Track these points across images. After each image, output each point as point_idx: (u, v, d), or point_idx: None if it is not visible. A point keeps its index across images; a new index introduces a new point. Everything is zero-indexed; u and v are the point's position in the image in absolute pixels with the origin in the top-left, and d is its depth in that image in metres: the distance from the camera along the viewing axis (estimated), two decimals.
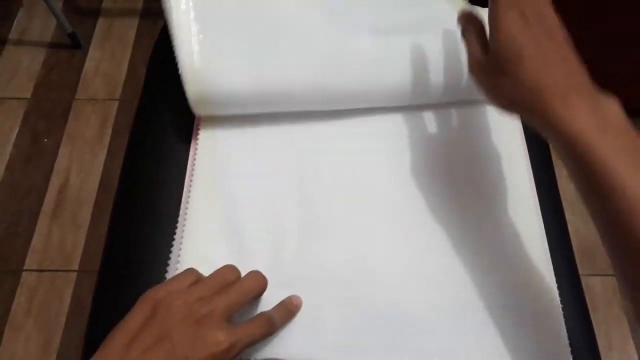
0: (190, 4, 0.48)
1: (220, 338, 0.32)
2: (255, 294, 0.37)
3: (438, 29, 0.48)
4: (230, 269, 0.37)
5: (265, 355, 0.37)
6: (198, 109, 0.46)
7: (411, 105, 0.49)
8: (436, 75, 0.46)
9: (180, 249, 0.41)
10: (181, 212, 0.44)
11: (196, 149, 0.46)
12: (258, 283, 0.37)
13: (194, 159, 0.46)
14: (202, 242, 0.42)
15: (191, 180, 0.45)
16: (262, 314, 0.37)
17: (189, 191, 0.44)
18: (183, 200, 0.44)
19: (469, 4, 0.53)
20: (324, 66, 0.46)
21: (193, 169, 0.45)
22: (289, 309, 0.39)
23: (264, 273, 0.39)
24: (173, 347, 0.31)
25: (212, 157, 0.46)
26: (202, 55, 0.45)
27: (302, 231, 0.43)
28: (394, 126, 0.48)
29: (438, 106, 0.49)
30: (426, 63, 0.46)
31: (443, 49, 0.47)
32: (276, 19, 0.50)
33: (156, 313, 0.32)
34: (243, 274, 0.38)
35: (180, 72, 0.44)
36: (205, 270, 0.40)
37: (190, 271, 0.36)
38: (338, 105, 0.48)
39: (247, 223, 0.43)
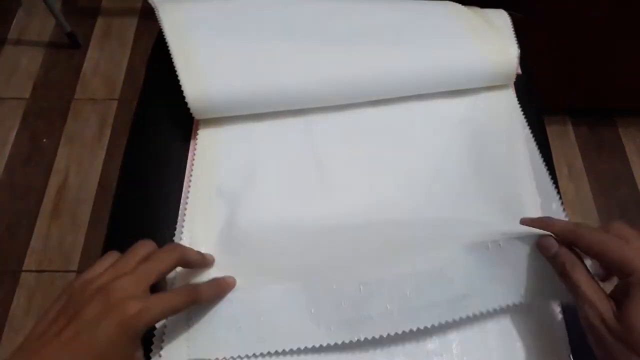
0: (184, 9, 0.48)
1: (129, 304, 0.31)
2: (175, 262, 0.36)
3: (434, 23, 0.49)
4: (143, 244, 0.36)
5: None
6: (198, 114, 0.46)
7: (406, 98, 0.49)
8: (432, 66, 0.47)
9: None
10: (180, 212, 0.44)
11: (195, 149, 0.46)
12: (174, 250, 0.36)
13: (193, 159, 0.46)
14: (202, 242, 0.42)
15: (190, 180, 0.45)
16: (186, 284, 0.37)
17: (188, 191, 0.44)
18: (182, 200, 0.44)
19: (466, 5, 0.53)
20: (321, 65, 0.46)
21: (192, 169, 0.45)
22: (219, 285, 0.38)
23: (265, 271, 0.39)
24: (83, 323, 0.31)
25: (211, 156, 0.46)
26: (199, 61, 0.46)
27: (303, 229, 0.43)
28: (394, 119, 0.49)
29: (435, 100, 0.49)
30: (423, 57, 0.47)
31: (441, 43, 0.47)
32: (272, 21, 0.50)
33: (70, 298, 0.32)
34: (244, 275, 0.39)
35: (178, 75, 0.45)
36: (206, 271, 0.40)
37: (108, 254, 0.36)
38: (337, 102, 0.48)
39: (248, 222, 0.43)
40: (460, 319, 0.36)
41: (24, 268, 1.03)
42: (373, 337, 0.36)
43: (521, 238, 0.37)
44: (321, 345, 0.37)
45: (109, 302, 0.31)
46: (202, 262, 0.39)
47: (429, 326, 0.36)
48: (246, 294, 0.38)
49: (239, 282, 0.39)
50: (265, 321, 0.37)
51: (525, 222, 0.37)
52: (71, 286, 0.33)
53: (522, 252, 0.37)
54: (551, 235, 0.35)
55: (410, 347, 0.38)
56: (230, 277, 0.39)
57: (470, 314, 0.36)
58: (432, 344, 0.38)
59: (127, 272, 0.33)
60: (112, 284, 0.32)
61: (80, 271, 1.02)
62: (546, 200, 0.44)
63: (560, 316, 0.39)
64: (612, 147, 1.17)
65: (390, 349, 0.38)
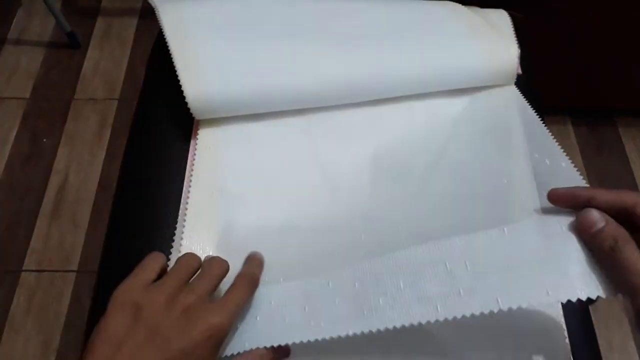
0: (184, 9, 0.48)
1: (214, 320, 0.31)
2: (222, 277, 0.37)
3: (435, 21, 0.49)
4: (192, 257, 0.36)
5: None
6: (198, 114, 0.46)
7: (407, 98, 0.49)
8: (433, 65, 0.47)
9: (180, 249, 0.41)
10: (180, 211, 0.44)
11: (195, 148, 0.46)
12: (221, 265, 0.37)
13: (194, 159, 0.46)
14: (202, 241, 0.42)
15: (190, 180, 0.45)
16: (239, 275, 0.37)
17: (189, 191, 0.44)
18: (182, 200, 0.44)
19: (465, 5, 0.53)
20: (322, 65, 0.46)
21: (192, 169, 0.45)
22: (259, 260, 0.39)
23: (266, 271, 0.39)
24: (166, 341, 0.30)
25: (211, 156, 0.46)
26: (200, 61, 0.46)
27: (304, 227, 0.43)
28: (394, 118, 0.49)
29: (435, 99, 0.49)
30: (423, 56, 0.47)
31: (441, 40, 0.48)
32: (272, 20, 0.50)
33: (139, 312, 0.31)
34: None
35: (178, 75, 0.45)
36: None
37: (154, 258, 0.36)
38: (337, 101, 0.48)
39: (248, 222, 0.43)
40: (455, 318, 0.31)
41: (24, 268, 1.03)
42: (362, 333, 0.33)
43: (533, 221, 0.33)
44: (309, 341, 0.34)
45: (191, 318, 0.31)
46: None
47: (423, 322, 0.31)
48: None
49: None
50: (261, 319, 0.37)
51: (555, 194, 0.32)
52: (130, 297, 0.32)
53: (534, 237, 0.32)
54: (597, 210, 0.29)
55: (406, 346, 0.38)
56: (255, 252, 0.40)
57: (468, 314, 0.31)
58: (427, 343, 0.38)
59: (191, 283, 0.34)
60: (188, 298, 0.32)
61: (80, 271, 1.02)
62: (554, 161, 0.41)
63: (560, 316, 0.39)
64: (612, 146, 1.17)
65: (386, 346, 0.38)
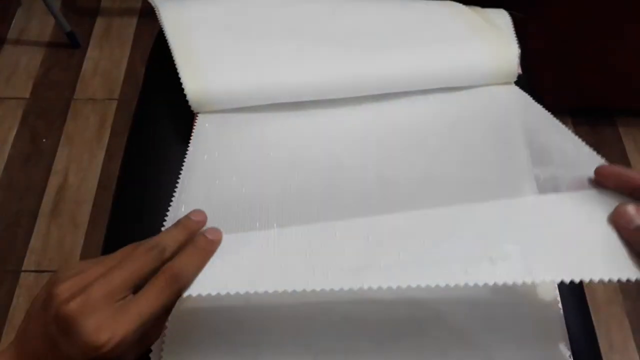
0: (184, 7, 0.48)
1: (92, 338, 0.27)
2: (152, 263, 0.30)
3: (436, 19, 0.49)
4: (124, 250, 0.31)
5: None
6: (197, 106, 0.46)
7: (408, 94, 0.49)
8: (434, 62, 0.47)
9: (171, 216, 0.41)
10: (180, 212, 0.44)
11: (196, 141, 0.46)
12: (154, 249, 0.30)
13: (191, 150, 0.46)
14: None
15: (192, 172, 0.44)
16: (163, 269, 0.30)
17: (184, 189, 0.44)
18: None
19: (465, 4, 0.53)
20: (322, 61, 0.46)
21: (194, 161, 0.45)
22: (201, 249, 0.32)
23: (264, 230, 0.38)
24: (55, 342, 0.28)
25: (212, 148, 0.46)
26: (200, 53, 0.45)
27: (305, 227, 0.43)
28: (395, 115, 0.49)
29: (437, 95, 0.49)
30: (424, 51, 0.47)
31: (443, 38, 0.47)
32: (273, 18, 0.50)
33: (46, 305, 0.29)
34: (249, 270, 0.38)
35: (178, 70, 0.45)
36: (205, 272, 0.40)
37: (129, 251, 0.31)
38: (337, 95, 0.48)
39: (248, 221, 0.43)
40: (476, 285, 0.29)
41: (23, 268, 1.03)
42: (379, 287, 0.30)
43: (572, 197, 0.31)
44: (314, 291, 0.31)
45: (72, 331, 0.27)
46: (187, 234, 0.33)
47: (451, 284, 0.29)
48: (233, 237, 0.35)
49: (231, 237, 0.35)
50: (250, 262, 0.33)
51: (606, 171, 0.31)
52: (52, 287, 0.29)
53: (572, 211, 0.31)
54: (631, 202, 0.29)
55: (405, 346, 0.38)
56: (212, 230, 0.34)
57: (500, 282, 0.29)
58: (426, 344, 0.38)
59: (95, 282, 0.28)
60: (77, 307, 0.27)
61: None
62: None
63: (561, 316, 0.39)
64: (612, 146, 1.17)
65: (385, 346, 0.38)
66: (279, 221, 0.39)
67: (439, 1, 0.54)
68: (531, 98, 0.47)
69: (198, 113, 0.47)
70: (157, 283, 0.29)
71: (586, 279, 0.28)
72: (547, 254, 0.30)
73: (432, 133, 0.47)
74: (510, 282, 0.29)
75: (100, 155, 1.16)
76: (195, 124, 0.47)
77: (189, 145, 0.45)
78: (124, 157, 0.49)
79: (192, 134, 0.46)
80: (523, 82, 0.50)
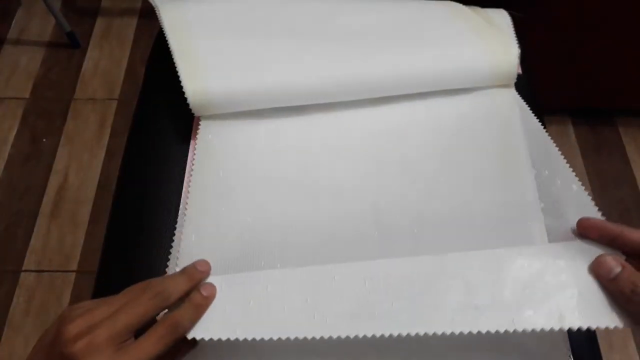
0: (184, 7, 0.48)
1: None
2: (155, 310, 0.32)
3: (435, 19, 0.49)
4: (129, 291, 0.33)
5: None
6: (198, 110, 0.46)
7: (407, 97, 0.49)
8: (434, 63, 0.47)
9: (179, 250, 0.41)
10: (180, 211, 0.44)
11: (195, 148, 0.46)
12: (154, 290, 0.32)
13: (193, 158, 0.46)
14: (202, 241, 0.42)
15: (190, 179, 0.45)
16: (163, 318, 0.32)
17: (188, 191, 0.44)
18: (182, 200, 0.44)
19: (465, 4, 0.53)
20: (322, 63, 0.46)
21: (192, 168, 0.45)
22: (196, 305, 0.33)
23: (266, 271, 0.39)
24: None
25: (211, 155, 0.46)
26: (200, 58, 0.46)
27: (304, 227, 0.43)
28: (394, 118, 0.49)
29: (436, 99, 0.49)
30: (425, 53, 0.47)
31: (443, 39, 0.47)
32: (272, 19, 0.50)
33: (55, 342, 0.30)
34: (249, 270, 0.38)
35: (178, 72, 0.45)
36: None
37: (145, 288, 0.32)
38: (337, 98, 0.48)
39: (248, 221, 0.43)
40: (470, 333, 0.31)
41: (23, 268, 1.03)
42: (373, 336, 0.32)
43: (551, 247, 0.34)
44: (314, 338, 0.33)
45: None
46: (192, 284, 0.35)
47: (438, 332, 0.31)
48: (238, 278, 0.36)
49: (236, 278, 0.37)
50: (254, 305, 0.34)
51: (586, 224, 0.33)
52: (61, 325, 0.30)
53: (551, 261, 0.33)
54: (610, 254, 0.32)
55: (407, 350, 0.38)
56: (208, 286, 0.35)
57: (483, 330, 0.31)
58: (423, 344, 0.38)
59: (96, 323, 0.30)
60: (82, 348, 0.29)
61: (80, 271, 1.02)
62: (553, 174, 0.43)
63: None
64: (612, 147, 1.17)
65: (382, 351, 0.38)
66: (282, 261, 0.40)
67: (438, 1, 0.54)
68: (532, 115, 0.47)
69: (200, 121, 0.47)
70: (157, 331, 0.31)
71: (565, 327, 0.30)
72: (529, 303, 0.32)
73: (426, 150, 0.47)
74: (493, 331, 0.31)
75: (100, 155, 1.16)
76: (196, 138, 0.47)
77: (188, 157, 0.45)
78: (124, 157, 0.49)
79: (195, 151, 0.46)
80: (523, 82, 0.50)
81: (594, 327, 0.30)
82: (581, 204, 0.39)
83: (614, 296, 0.31)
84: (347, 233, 0.42)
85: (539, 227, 0.42)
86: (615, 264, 0.31)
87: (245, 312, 0.34)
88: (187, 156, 0.47)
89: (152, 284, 0.33)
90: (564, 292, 0.32)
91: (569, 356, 0.38)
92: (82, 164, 1.15)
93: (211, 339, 0.33)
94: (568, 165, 0.42)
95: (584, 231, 0.34)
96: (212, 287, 0.35)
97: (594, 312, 0.30)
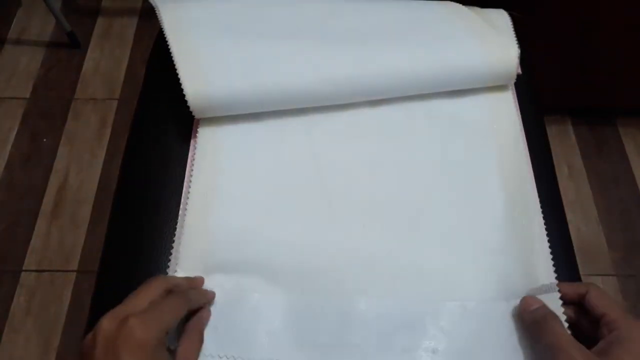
0: (184, 8, 0.48)
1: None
2: (183, 311, 0.35)
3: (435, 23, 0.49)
4: (155, 283, 0.35)
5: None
6: (198, 113, 0.46)
7: (407, 99, 0.49)
8: (434, 65, 0.47)
9: (179, 249, 0.41)
10: (180, 211, 0.44)
11: (195, 148, 0.46)
12: (181, 299, 0.35)
13: (193, 158, 0.46)
14: (202, 241, 0.42)
15: (190, 180, 0.45)
16: (189, 327, 0.36)
17: (189, 191, 0.44)
18: (182, 200, 0.44)
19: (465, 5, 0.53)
20: (322, 64, 0.46)
21: (192, 168, 0.45)
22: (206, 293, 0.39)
23: (266, 271, 0.39)
24: None
25: (211, 155, 0.46)
26: (200, 60, 0.46)
27: (304, 227, 0.43)
28: (394, 120, 0.49)
29: (435, 100, 0.49)
30: (422, 55, 0.47)
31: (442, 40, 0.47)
32: (273, 20, 0.50)
33: (95, 345, 0.30)
34: (246, 273, 0.39)
35: (178, 73, 0.45)
36: (204, 272, 0.40)
37: (150, 284, 0.35)
38: (337, 101, 0.48)
39: (248, 221, 0.43)
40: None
41: (24, 268, 1.03)
42: None
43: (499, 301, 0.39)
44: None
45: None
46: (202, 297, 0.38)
47: None
48: (229, 296, 0.39)
49: (229, 284, 0.40)
50: (240, 325, 0.38)
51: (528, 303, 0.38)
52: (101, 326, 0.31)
53: (497, 316, 0.39)
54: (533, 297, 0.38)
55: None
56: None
57: None
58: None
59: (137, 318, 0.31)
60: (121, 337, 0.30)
61: (80, 271, 1.03)
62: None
63: (561, 316, 0.39)
64: (612, 146, 1.16)
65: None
66: (277, 264, 0.41)
67: (439, 1, 0.54)
68: (517, 118, 0.49)
69: (199, 123, 0.47)
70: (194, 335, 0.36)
71: None
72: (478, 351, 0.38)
73: (424, 151, 0.47)
74: None
75: (101, 155, 1.16)
76: (195, 140, 0.47)
77: (189, 167, 0.46)
78: (124, 157, 0.49)
79: (192, 152, 0.46)
80: (523, 82, 0.50)
81: None
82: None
83: (531, 328, 0.36)
84: (344, 232, 0.43)
85: (539, 230, 0.43)
86: (535, 301, 0.37)
87: (233, 331, 0.38)
88: (187, 156, 0.47)
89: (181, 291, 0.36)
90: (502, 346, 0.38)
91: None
92: (82, 164, 1.15)
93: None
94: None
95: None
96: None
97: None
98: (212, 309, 0.38)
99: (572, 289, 0.37)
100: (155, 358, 0.30)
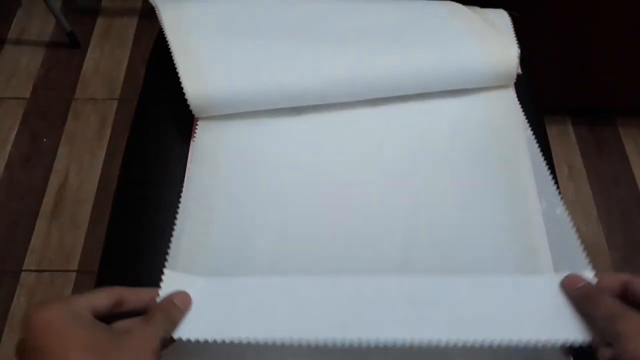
0: (184, 7, 0.48)
1: None
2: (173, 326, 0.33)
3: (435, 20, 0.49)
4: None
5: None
6: (198, 112, 0.46)
7: (406, 98, 0.49)
8: (435, 65, 0.47)
9: (179, 249, 0.41)
10: (180, 210, 0.44)
11: (195, 148, 0.46)
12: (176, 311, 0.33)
13: (193, 158, 0.46)
14: (201, 241, 0.42)
15: (190, 180, 0.45)
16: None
17: (188, 191, 0.44)
18: (182, 198, 0.44)
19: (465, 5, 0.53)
20: (322, 64, 0.47)
21: (192, 168, 0.45)
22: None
23: (266, 271, 0.39)
24: None
25: (210, 155, 0.46)
26: (200, 60, 0.46)
27: (303, 227, 0.43)
28: (394, 119, 0.49)
29: (435, 100, 0.50)
30: (423, 54, 0.47)
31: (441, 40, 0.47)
32: (273, 19, 0.50)
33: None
34: (246, 273, 0.38)
35: (178, 73, 0.45)
36: (203, 272, 0.40)
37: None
38: (337, 100, 0.48)
39: (247, 221, 0.43)
40: (457, 341, 0.33)
41: (24, 268, 1.03)
42: (360, 342, 0.33)
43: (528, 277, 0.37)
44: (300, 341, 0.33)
45: None
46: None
47: (424, 341, 0.32)
48: (226, 281, 0.37)
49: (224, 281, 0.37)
50: (241, 309, 0.35)
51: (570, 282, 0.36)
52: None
53: (527, 287, 0.36)
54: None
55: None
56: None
57: (470, 341, 0.33)
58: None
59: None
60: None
61: (80, 271, 1.02)
62: (549, 205, 0.43)
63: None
64: (612, 146, 1.17)
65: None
66: (275, 263, 0.40)
67: (438, 1, 0.54)
68: (522, 115, 0.48)
69: (198, 123, 0.47)
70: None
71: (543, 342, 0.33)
72: (507, 322, 0.34)
73: (424, 152, 0.47)
74: (478, 342, 0.32)
75: (101, 155, 1.16)
76: (194, 136, 0.47)
77: (188, 157, 0.45)
78: (124, 157, 0.49)
79: (193, 150, 0.46)
80: (523, 82, 0.50)
81: (561, 341, 0.32)
82: (563, 229, 0.41)
83: (578, 306, 0.34)
84: (342, 234, 0.43)
85: (540, 232, 0.43)
86: (581, 278, 0.35)
87: (231, 315, 0.34)
88: (187, 156, 0.47)
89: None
90: (544, 310, 0.35)
91: (569, 356, 0.38)
92: (82, 164, 1.15)
93: (197, 340, 0.33)
94: (560, 195, 0.43)
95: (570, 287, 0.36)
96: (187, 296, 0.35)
97: (563, 328, 0.33)
98: (199, 291, 0.35)
99: (612, 279, 0.35)
100: (70, 333, 0.29)
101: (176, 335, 0.33)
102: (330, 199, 0.45)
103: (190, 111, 0.46)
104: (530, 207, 0.44)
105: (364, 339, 0.32)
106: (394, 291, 0.36)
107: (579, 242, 0.39)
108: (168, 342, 0.33)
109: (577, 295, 0.35)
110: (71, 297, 0.31)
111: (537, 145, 0.46)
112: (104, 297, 0.32)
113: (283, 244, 0.42)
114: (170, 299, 0.34)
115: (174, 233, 0.42)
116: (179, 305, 0.34)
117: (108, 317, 0.32)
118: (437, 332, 0.33)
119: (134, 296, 0.33)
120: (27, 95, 1.25)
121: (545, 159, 0.45)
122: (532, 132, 0.47)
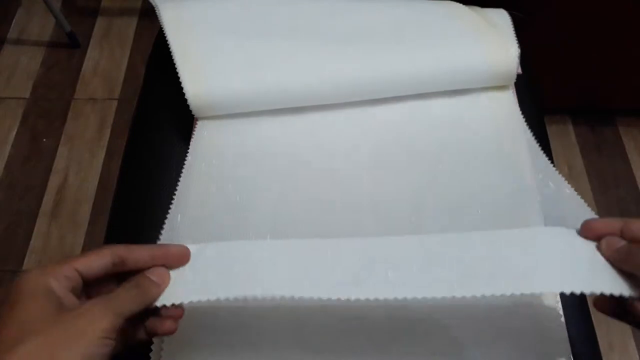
0: (184, 7, 0.48)
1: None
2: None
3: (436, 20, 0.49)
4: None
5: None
6: (198, 112, 0.46)
7: (406, 98, 0.49)
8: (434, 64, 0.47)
9: (171, 240, 0.41)
10: (173, 207, 0.44)
11: (195, 147, 0.46)
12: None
13: (192, 157, 0.46)
14: (201, 241, 0.42)
15: (190, 179, 0.45)
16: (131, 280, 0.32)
17: (188, 190, 0.44)
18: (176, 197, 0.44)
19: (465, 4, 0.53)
20: (322, 64, 0.47)
21: (191, 168, 0.45)
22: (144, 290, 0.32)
23: (265, 271, 0.39)
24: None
25: (210, 154, 0.46)
26: (200, 60, 0.46)
27: (303, 227, 0.43)
28: (393, 118, 0.49)
29: (435, 99, 0.49)
30: (424, 53, 0.47)
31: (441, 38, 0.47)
32: (273, 19, 0.50)
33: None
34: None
35: (178, 73, 0.45)
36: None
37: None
38: (337, 100, 0.48)
39: (246, 221, 0.43)
40: (464, 297, 0.31)
41: (23, 268, 1.03)
42: (367, 299, 0.31)
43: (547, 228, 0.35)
44: (302, 298, 0.32)
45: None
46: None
47: (429, 297, 0.31)
48: (221, 245, 0.35)
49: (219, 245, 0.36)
50: (238, 271, 0.33)
51: (592, 226, 0.34)
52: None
53: (549, 238, 0.34)
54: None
55: (407, 346, 0.38)
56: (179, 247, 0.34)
57: (479, 294, 0.31)
58: (429, 342, 0.38)
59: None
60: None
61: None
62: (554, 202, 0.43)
63: (560, 316, 0.39)
64: (612, 146, 1.17)
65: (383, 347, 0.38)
66: (272, 235, 0.40)
67: (439, 1, 0.54)
68: (524, 124, 0.48)
69: (197, 123, 0.47)
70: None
71: (567, 291, 0.30)
72: (530, 269, 0.32)
73: (423, 151, 0.47)
74: (492, 293, 0.30)
75: (101, 155, 1.16)
76: (194, 129, 0.47)
77: (187, 152, 0.45)
78: (124, 157, 0.49)
79: (191, 141, 0.46)
80: (523, 82, 0.50)
81: (594, 291, 0.30)
82: (577, 205, 0.39)
83: (624, 260, 0.31)
84: (342, 221, 0.42)
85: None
86: (619, 239, 0.32)
87: (229, 276, 0.33)
88: (187, 155, 0.47)
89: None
90: (562, 260, 0.32)
91: (569, 356, 0.38)
92: (82, 163, 1.15)
93: (191, 302, 0.32)
94: (557, 171, 0.43)
95: (589, 233, 0.34)
96: (165, 273, 0.33)
97: (592, 278, 0.31)
98: (202, 254, 0.35)
99: (604, 224, 0.33)
100: (24, 307, 0.28)
101: (168, 300, 0.32)
102: (332, 196, 0.44)
103: (190, 111, 0.46)
104: (531, 209, 0.44)
105: (379, 295, 0.31)
106: (406, 248, 0.34)
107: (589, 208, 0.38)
108: (150, 312, 0.32)
109: (619, 256, 0.32)
110: (66, 260, 0.30)
111: (537, 145, 0.46)
112: (100, 258, 0.31)
113: (282, 244, 0.42)
114: (144, 274, 0.32)
115: (164, 227, 0.41)
116: (155, 280, 0.32)
117: (118, 275, 0.32)
118: (448, 289, 0.31)
119: (132, 255, 0.32)
120: (27, 95, 1.25)
121: (547, 157, 0.45)
122: (532, 132, 0.47)
